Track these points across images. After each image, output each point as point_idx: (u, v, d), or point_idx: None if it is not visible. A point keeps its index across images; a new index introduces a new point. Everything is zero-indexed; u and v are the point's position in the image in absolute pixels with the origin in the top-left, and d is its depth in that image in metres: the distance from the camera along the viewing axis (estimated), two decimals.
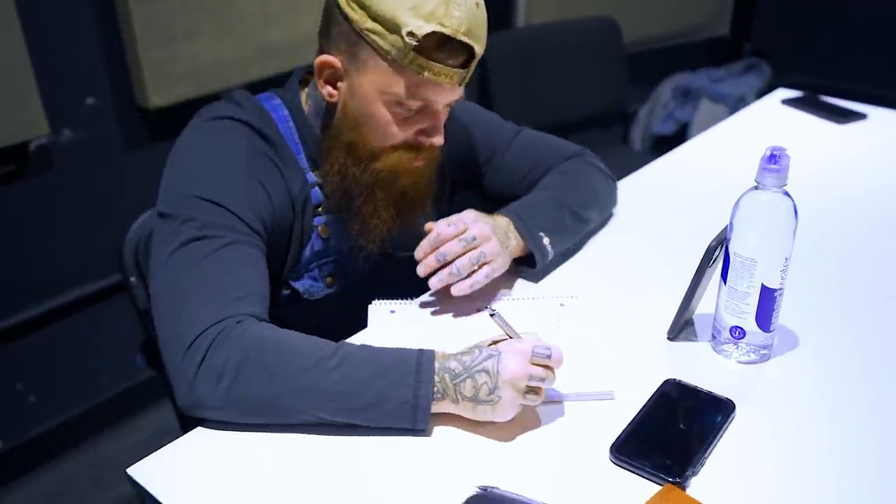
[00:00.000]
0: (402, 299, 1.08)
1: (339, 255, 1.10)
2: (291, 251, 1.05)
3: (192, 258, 0.90)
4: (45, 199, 1.83)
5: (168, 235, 0.92)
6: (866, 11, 3.14)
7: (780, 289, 0.92)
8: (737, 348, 0.97)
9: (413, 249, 1.08)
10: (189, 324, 0.85)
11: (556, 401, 0.90)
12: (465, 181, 1.24)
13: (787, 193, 0.89)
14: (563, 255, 1.20)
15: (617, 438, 0.83)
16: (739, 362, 0.97)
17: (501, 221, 1.11)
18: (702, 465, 0.80)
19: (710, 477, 0.79)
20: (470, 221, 1.04)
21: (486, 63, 2.40)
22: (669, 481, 0.77)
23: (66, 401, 2.04)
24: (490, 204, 1.22)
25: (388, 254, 1.12)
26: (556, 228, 1.15)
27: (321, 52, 0.99)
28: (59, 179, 1.83)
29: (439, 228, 1.03)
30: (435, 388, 0.83)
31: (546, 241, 1.12)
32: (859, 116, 1.76)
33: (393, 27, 0.90)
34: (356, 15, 0.92)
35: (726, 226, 0.95)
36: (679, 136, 3.17)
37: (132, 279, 1.33)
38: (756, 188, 0.90)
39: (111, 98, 1.86)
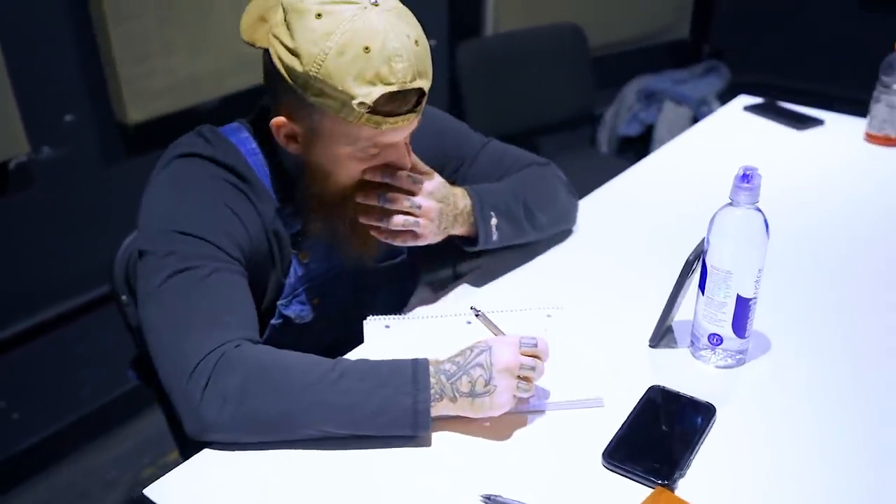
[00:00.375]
0: (395, 314, 1.13)
1: (322, 275, 1.14)
2: (274, 280, 1.09)
3: (180, 289, 0.93)
4: (26, 216, 1.83)
5: (152, 271, 0.95)
6: (819, 13, 3.25)
7: (754, 298, 0.99)
8: (714, 354, 1.03)
9: (391, 258, 1.13)
10: (188, 352, 0.89)
11: (548, 410, 0.95)
12: None
13: (758, 209, 0.95)
14: (550, 268, 1.25)
15: (608, 444, 0.89)
16: (717, 367, 1.03)
17: (458, 192, 1.13)
18: (688, 466, 0.86)
19: (697, 478, 0.85)
20: (427, 191, 1.07)
21: (457, 71, 2.46)
22: (660, 484, 0.83)
23: (49, 415, 2.04)
24: None
25: (369, 266, 1.17)
26: (508, 215, 1.18)
27: (273, 110, 1.00)
28: (39, 197, 1.83)
29: (400, 173, 1.04)
30: (432, 391, 0.88)
31: (493, 221, 1.15)
32: (817, 122, 1.84)
33: (342, 98, 0.90)
34: (301, 90, 0.92)
35: (703, 239, 1.01)
36: (644, 138, 3.26)
37: (123, 297, 1.35)
38: (730, 205, 0.96)
39: (90, 114, 1.88)
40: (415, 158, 1.08)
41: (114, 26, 1.78)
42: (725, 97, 3.25)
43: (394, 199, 1.05)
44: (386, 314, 1.13)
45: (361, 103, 0.90)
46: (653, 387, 0.98)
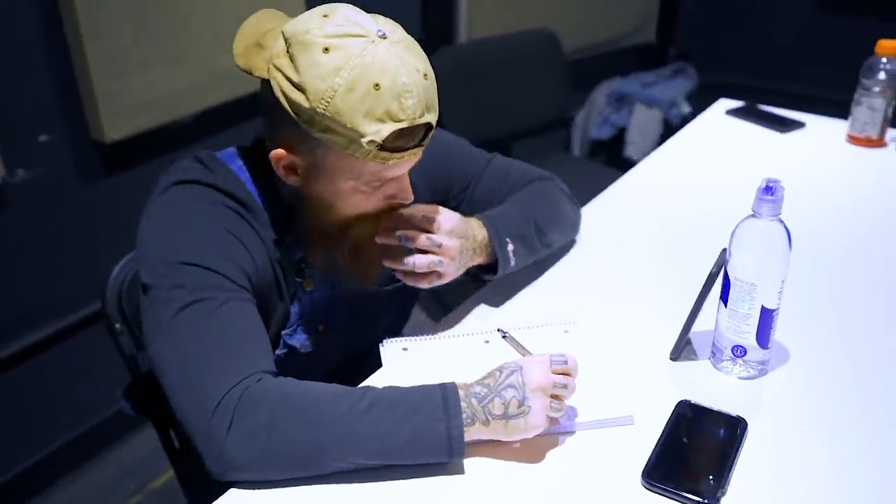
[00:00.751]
0: (412, 336, 1.11)
1: (325, 302, 1.11)
2: (280, 309, 1.06)
3: (191, 323, 0.89)
4: (2, 240, 1.76)
5: (160, 306, 0.91)
6: (779, 15, 3.32)
7: (777, 309, 0.99)
8: (736, 365, 1.03)
9: (392, 282, 1.12)
10: (208, 390, 0.85)
11: (578, 430, 0.94)
12: None
13: (781, 221, 0.95)
14: (558, 282, 1.25)
15: (647, 464, 0.88)
16: (739, 378, 1.03)
17: (473, 224, 1.12)
18: (728, 483, 0.86)
19: (738, 494, 0.85)
20: (446, 228, 1.06)
21: None
22: (703, 503, 0.83)
23: (28, 444, 1.97)
24: None
25: (371, 290, 1.14)
26: (522, 239, 1.17)
27: (271, 142, 0.96)
28: (15, 221, 1.76)
29: (413, 209, 1.04)
30: (464, 415, 0.86)
31: (510, 247, 1.15)
32: (799, 125, 1.87)
33: (350, 135, 0.88)
34: (306, 125, 0.89)
35: (723, 250, 1.02)
36: (616, 141, 3.28)
37: (117, 326, 1.30)
38: (752, 216, 0.96)
39: (65, 134, 1.81)
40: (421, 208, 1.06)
41: (89, 42, 1.72)
42: (694, 98, 3.30)
43: (413, 238, 1.03)
44: (387, 336, 1.11)
45: (371, 141, 0.87)
46: (681, 401, 0.97)
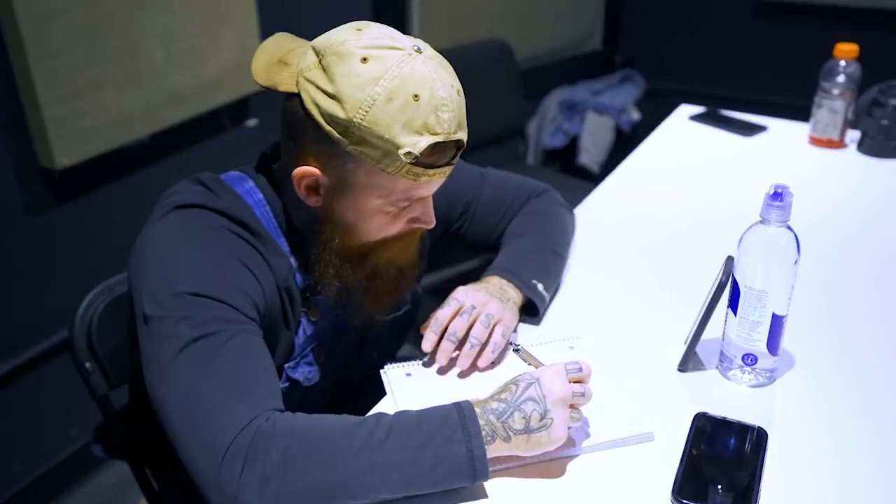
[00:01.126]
0: (414, 360, 1.07)
1: (329, 332, 1.07)
2: (284, 340, 1.00)
3: (198, 360, 0.83)
4: None
5: (164, 340, 0.85)
6: (719, 22, 3.40)
7: (787, 314, 0.99)
8: (746, 374, 1.02)
9: (395, 311, 1.09)
10: (217, 433, 0.79)
11: (600, 450, 0.91)
12: (444, 237, 1.23)
13: (789, 227, 0.95)
14: (561, 298, 1.23)
15: (675, 481, 0.86)
16: (750, 386, 1.02)
17: (494, 281, 1.12)
18: (759, 496, 0.84)
19: None
20: (462, 296, 1.06)
21: None
22: None
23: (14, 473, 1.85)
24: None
25: (376, 320, 1.10)
26: (546, 272, 1.18)
27: (292, 158, 0.93)
28: None
29: (437, 314, 1.04)
30: (483, 433, 0.83)
31: (540, 286, 1.14)
32: (761, 129, 1.90)
33: (386, 147, 0.85)
34: (339, 136, 0.86)
35: (728, 258, 1.01)
36: (569, 149, 3.30)
37: (87, 365, 1.22)
38: (760, 223, 0.95)
39: (10, 161, 1.70)
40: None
41: (36, 63, 1.63)
42: (642, 105, 3.34)
43: (457, 328, 1.03)
44: (384, 363, 1.07)
45: (408, 153, 0.85)
46: (699, 414, 0.96)
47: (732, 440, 0.92)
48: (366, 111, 0.84)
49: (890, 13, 3.04)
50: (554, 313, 1.19)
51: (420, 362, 1.06)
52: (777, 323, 0.98)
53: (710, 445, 0.92)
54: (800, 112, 1.94)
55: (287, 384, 1.03)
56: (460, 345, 1.04)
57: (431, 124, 0.85)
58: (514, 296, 1.12)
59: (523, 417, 0.84)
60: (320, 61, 0.86)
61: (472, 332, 1.03)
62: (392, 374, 1.04)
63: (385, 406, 0.99)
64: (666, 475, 0.87)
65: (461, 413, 0.83)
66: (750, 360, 1.00)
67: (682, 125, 1.96)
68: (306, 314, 1.02)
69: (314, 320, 1.03)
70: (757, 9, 3.29)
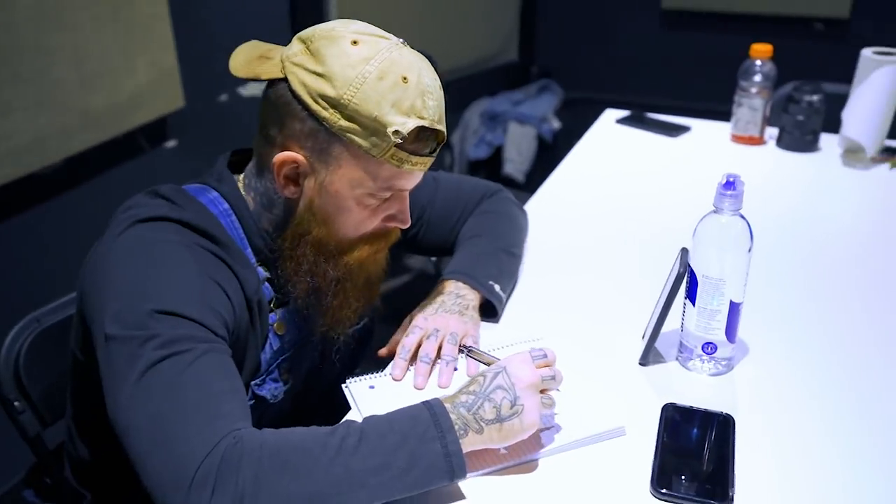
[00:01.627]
0: (376, 373, 1.03)
1: (294, 348, 1.03)
2: (251, 356, 0.96)
3: (164, 381, 0.78)
4: None
5: (129, 360, 0.79)
6: (629, 33, 3.51)
7: (743, 301, 1.00)
8: (704, 363, 1.03)
9: (357, 323, 1.07)
10: (184, 457, 0.74)
11: (573, 448, 0.90)
12: (401, 245, 1.20)
13: (741, 215, 0.97)
14: (517, 300, 1.22)
15: (652, 473, 0.85)
16: (710, 375, 1.04)
17: (449, 288, 1.12)
18: (735, 480, 0.85)
19: (746, 490, 0.84)
20: (423, 322, 1.06)
21: None
22: None
23: None
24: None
25: (339, 332, 1.07)
26: (501, 272, 1.18)
27: (274, 146, 0.91)
28: None
29: (403, 342, 1.04)
30: (456, 427, 0.81)
31: (497, 287, 1.14)
32: (685, 129, 1.96)
33: (374, 126, 0.86)
34: (328, 114, 0.87)
35: (683, 250, 1.02)
36: (494, 159, 3.32)
37: (17, 404, 1.14)
38: (714, 212, 0.97)
39: None
40: None
41: None
42: (562, 113, 3.40)
43: (427, 351, 1.03)
44: (343, 377, 1.04)
45: (396, 132, 0.86)
46: (666, 405, 0.96)
47: (702, 428, 0.93)
48: (357, 88, 0.85)
49: (796, 18, 3.20)
50: (512, 315, 1.18)
51: (383, 374, 1.03)
52: (734, 310, 0.99)
53: (680, 434, 0.92)
54: (717, 116, 2.02)
55: (252, 401, 0.98)
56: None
57: (419, 108, 0.87)
58: (472, 298, 1.11)
59: (494, 407, 0.83)
60: (307, 47, 0.88)
61: (444, 351, 1.04)
62: (355, 388, 1.00)
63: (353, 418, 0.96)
64: (641, 467, 0.87)
65: (431, 410, 0.82)
66: (710, 348, 1.02)
67: (609, 129, 2.00)
68: (273, 328, 0.98)
69: (280, 334, 1.00)
70: (662, 17, 3.42)
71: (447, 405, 0.83)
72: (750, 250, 0.98)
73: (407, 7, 2.98)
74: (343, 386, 1.01)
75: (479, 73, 3.38)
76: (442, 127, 0.92)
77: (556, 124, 3.31)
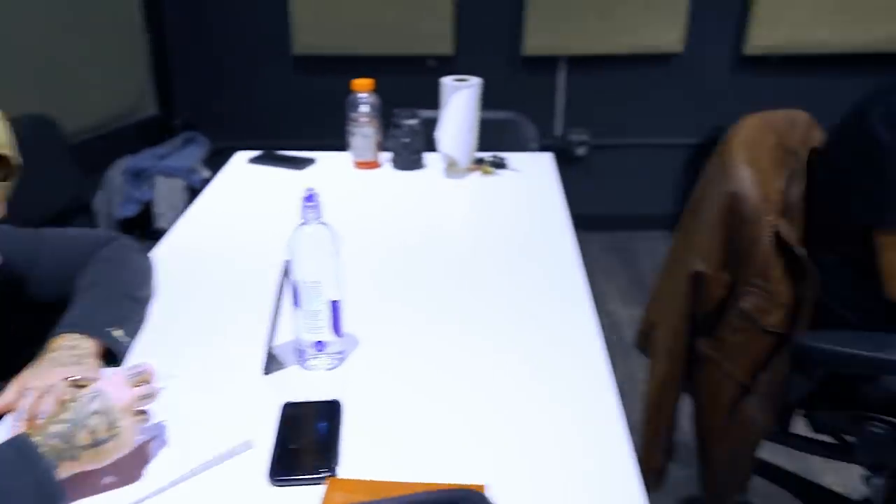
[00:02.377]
0: None
1: None
2: None
3: None
4: None
5: None
6: (267, 79, 3.65)
7: (341, 299, 1.13)
8: (318, 360, 1.14)
9: None
10: None
11: (203, 472, 0.94)
12: (17, 309, 1.16)
13: (325, 223, 1.09)
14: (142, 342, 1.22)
15: (270, 466, 0.93)
16: (327, 370, 1.14)
17: (63, 343, 1.09)
18: (339, 453, 0.96)
19: (350, 459, 0.95)
20: (32, 381, 1.02)
21: None
22: (327, 475, 0.91)
23: None
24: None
25: None
26: (122, 318, 1.18)
27: None
28: None
29: (20, 405, 0.98)
30: (47, 458, 0.83)
31: (118, 332, 1.14)
32: (310, 161, 2.10)
33: None
34: None
35: (285, 261, 1.12)
36: (144, 215, 3.22)
37: None
38: (303, 224, 1.08)
39: None
40: None
41: None
42: (210, 162, 3.42)
43: (42, 410, 0.94)
44: None
45: None
46: (285, 404, 1.04)
47: (314, 417, 1.03)
48: None
49: (413, 57, 3.58)
50: (147, 352, 1.19)
51: None
52: (336, 307, 1.11)
53: (297, 426, 1.01)
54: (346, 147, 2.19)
55: None
56: None
57: None
58: (88, 346, 1.10)
59: (90, 432, 0.86)
60: None
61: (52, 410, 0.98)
62: None
63: None
64: (266, 467, 0.94)
65: (16, 444, 0.83)
66: (320, 346, 1.12)
67: (241, 169, 2.08)
68: None
69: None
70: (294, 62, 3.61)
71: (37, 438, 0.83)
72: (338, 252, 1.11)
73: (24, 68, 2.79)
74: None
75: (117, 131, 3.27)
76: (9, 152, 0.91)
77: (205, 173, 3.31)
